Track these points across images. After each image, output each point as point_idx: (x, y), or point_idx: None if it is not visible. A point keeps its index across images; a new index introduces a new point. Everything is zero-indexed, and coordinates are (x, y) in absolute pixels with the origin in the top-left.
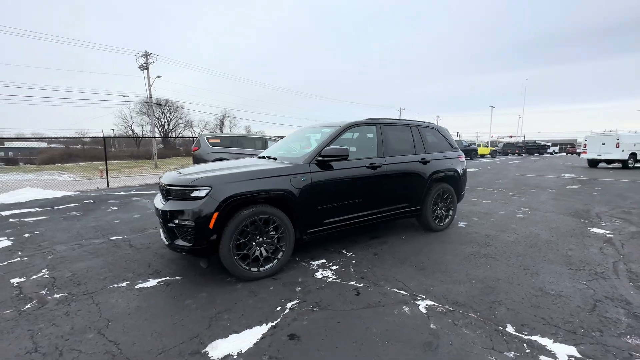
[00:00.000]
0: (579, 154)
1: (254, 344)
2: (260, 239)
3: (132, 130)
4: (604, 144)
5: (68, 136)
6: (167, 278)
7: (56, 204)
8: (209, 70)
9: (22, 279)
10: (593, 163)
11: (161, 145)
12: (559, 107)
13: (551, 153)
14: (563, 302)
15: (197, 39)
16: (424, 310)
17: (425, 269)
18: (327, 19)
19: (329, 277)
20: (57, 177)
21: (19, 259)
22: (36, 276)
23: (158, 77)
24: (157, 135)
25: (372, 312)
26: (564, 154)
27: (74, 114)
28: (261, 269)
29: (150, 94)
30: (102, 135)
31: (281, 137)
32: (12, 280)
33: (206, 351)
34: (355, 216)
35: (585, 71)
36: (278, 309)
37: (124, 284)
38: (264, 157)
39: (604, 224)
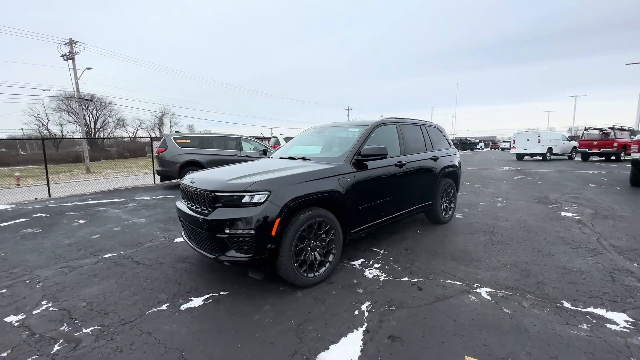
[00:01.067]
0: (502, 149)
1: (361, 351)
2: (314, 243)
3: (48, 129)
4: (528, 140)
5: None
6: (212, 295)
7: None
8: (142, 63)
9: (21, 316)
10: (520, 156)
11: (88, 147)
12: (482, 107)
13: (479, 148)
14: (589, 277)
15: (128, 29)
16: (489, 297)
17: (459, 259)
18: (271, 15)
19: (380, 276)
20: None
21: None
22: (38, 311)
23: (88, 68)
24: (83, 135)
25: (447, 305)
26: (489, 149)
27: None
28: (316, 274)
29: (77, 88)
30: (39, 136)
31: (250, 137)
32: (7, 319)
33: None
34: (387, 213)
35: (500, 77)
36: (356, 312)
37: (164, 307)
38: (291, 158)
39: (566, 208)
